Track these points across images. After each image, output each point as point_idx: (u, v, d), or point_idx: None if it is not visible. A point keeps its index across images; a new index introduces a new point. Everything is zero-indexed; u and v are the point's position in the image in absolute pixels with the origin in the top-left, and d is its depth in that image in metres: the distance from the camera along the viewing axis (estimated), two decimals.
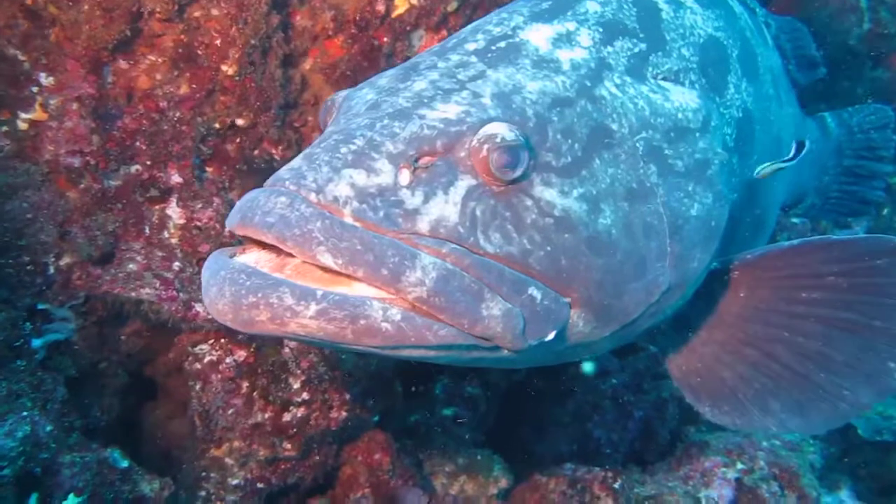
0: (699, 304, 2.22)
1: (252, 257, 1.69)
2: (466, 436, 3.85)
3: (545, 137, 1.85)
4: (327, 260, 1.57)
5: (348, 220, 1.63)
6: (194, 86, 2.85)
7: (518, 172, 1.77)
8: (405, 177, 1.71)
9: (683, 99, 2.12)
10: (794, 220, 4.82)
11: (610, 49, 2.10)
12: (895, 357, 2.07)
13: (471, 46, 2.00)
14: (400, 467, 3.28)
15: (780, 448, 3.82)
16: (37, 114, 2.66)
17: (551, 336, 1.79)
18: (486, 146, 1.75)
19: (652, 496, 3.54)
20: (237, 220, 1.66)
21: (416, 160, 1.73)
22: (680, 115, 2.09)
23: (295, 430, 2.95)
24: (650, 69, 2.15)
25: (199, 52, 2.83)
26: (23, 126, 2.65)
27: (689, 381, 2.29)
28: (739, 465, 3.67)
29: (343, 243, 1.58)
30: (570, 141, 1.88)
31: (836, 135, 4.09)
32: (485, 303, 1.67)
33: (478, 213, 1.74)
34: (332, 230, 1.59)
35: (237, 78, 2.88)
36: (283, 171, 1.70)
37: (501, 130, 1.77)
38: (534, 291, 1.75)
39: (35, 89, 2.66)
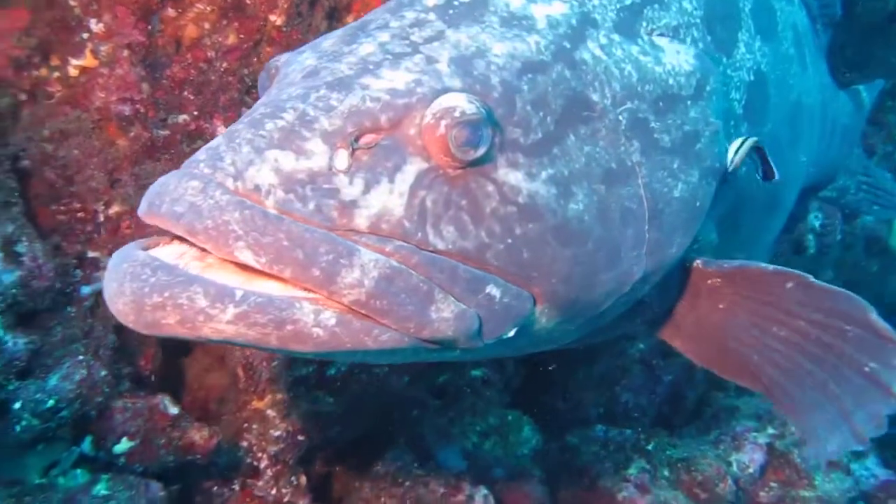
0: (686, 301, 2.08)
1: (174, 250, 1.46)
2: (495, 397, 3.88)
3: (512, 110, 1.62)
4: (247, 257, 1.35)
5: (273, 211, 1.41)
6: (242, 36, 2.83)
7: (479, 152, 1.54)
8: (342, 160, 1.48)
9: (677, 60, 1.90)
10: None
11: (596, 2, 1.86)
12: (838, 422, 1.93)
13: (430, 1, 1.74)
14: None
15: None
16: (87, 60, 2.64)
17: (511, 334, 1.62)
18: (442, 122, 1.52)
19: (684, 458, 3.57)
20: (145, 207, 1.45)
21: (357, 139, 1.50)
22: (671, 81, 1.88)
23: (338, 384, 2.97)
24: (644, 24, 1.93)
25: (248, 1, 2.81)
26: (73, 73, 2.63)
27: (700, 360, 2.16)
28: (770, 430, 3.70)
29: (266, 238, 1.36)
30: (541, 114, 1.66)
31: (871, 110, 4.01)
32: (434, 304, 1.48)
33: (428, 203, 1.52)
34: (253, 222, 1.36)
35: (285, 29, 2.86)
36: (201, 152, 1.48)
37: (459, 102, 1.53)
38: (492, 290, 1.57)
39: (85, 35, 2.63)
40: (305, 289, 1.40)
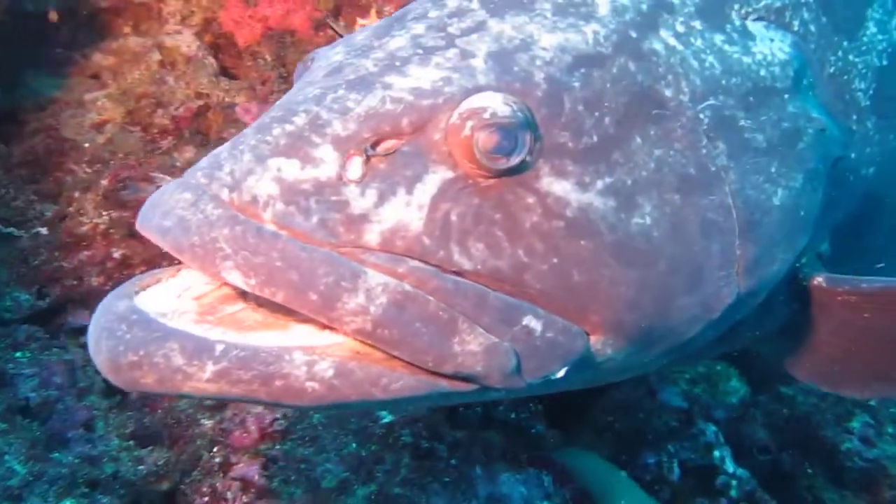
0: (797, 319, 1.88)
1: (186, 280, 1.35)
2: None
3: (559, 110, 1.41)
4: (235, 279, 1.21)
5: (269, 226, 1.26)
6: None
7: (514, 161, 1.34)
8: (355, 169, 1.31)
9: (769, 49, 1.68)
10: None
11: None
12: None
13: None
14: None
15: None
16: (371, 19, 3.00)
17: (561, 374, 1.40)
18: (468, 123, 1.33)
19: None
20: (139, 219, 1.34)
21: (373, 145, 1.33)
22: (763, 72, 1.65)
23: None
24: (737, 7, 1.70)
25: None
26: None
27: (814, 380, 2.01)
28: None
29: (258, 258, 1.22)
30: (597, 114, 1.45)
31: None
32: (458, 336, 1.28)
33: (453, 217, 1.32)
34: (243, 240, 1.22)
35: None
36: (204, 159, 1.36)
37: (492, 103, 1.34)
38: (530, 321, 1.35)
39: None
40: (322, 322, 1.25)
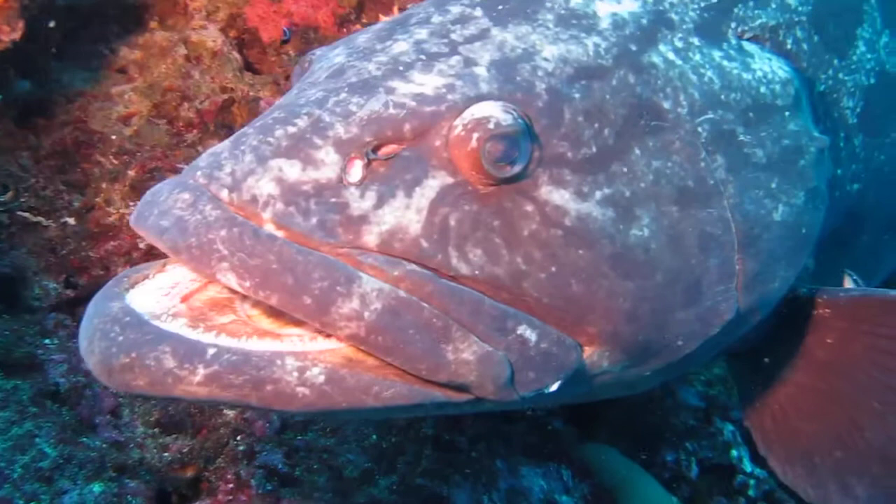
0: (780, 333, 1.84)
1: (173, 276, 1.37)
2: None
3: (559, 120, 1.43)
4: (230, 280, 1.22)
5: (268, 227, 1.27)
6: None
7: (516, 168, 1.36)
8: (356, 172, 1.32)
9: (769, 67, 1.67)
10: None
11: (675, 0, 1.66)
12: None
13: None
14: None
15: None
16: None
17: (554, 388, 1.39)
18: (474, 135, 1.34)
19: None
20: (134, 216, 1.34)
21: (375, 149, 1.34)
22: (763, 89, 1.65)
23: None
24: (733, 25, 1.71)
25: None
26: None
27: (762, 424, 1.91)
28: None
29: (253, 260, 1.22)
30: (596, 125, 1.46)
31: None
32: (452, 344, 1.28)
33: (451, 222, 1.33)
34: (240, 242, 1.22)
35: None
36: (203, 156, 1.36)
37: (493, 112, 1.36)
38: (525, 331, 1.34)
39: None
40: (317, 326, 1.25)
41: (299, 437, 2.43)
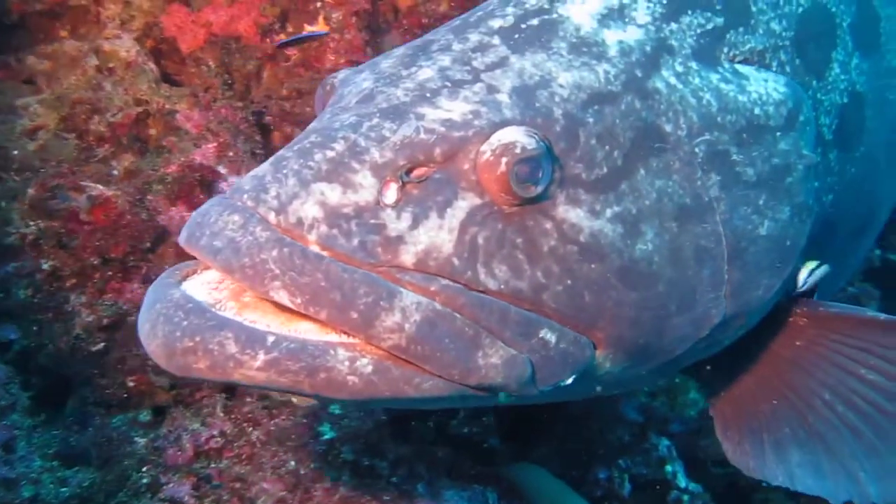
0: (753, 333, 1.95)
1: (214, 276, 1.44)
2: None
3: (575, 144, 1.55)
4: (282, 298, 1.31)
5: (314, 248, 1.36)
6: (452, 4, 3.06)
7: (540, 189, 1.48)
8: (391, 194, 1.43)
9: (764, 89, 1.78)
10: None
11: (674, 27, 1.75)
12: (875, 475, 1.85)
13: (496, 23, 1.67)
14: None
15: None
16: (320, 26, 2.95)
17: (569, 381, 1.54)
18: (503, 159, 1.45)
19: None
20: (185, 236, 1.43)
21: (408, 172, 1.44)
22: (757, 111, 1.75)
23: None
24: (726, 50, 1.81)
25: None
26: None
27: (723, 410, 2.02)
28: None
29: (303, 278, 1.32)
30: (607, 147, 1.58)
31: None
32: (482, 350, 1.40)
33: (480, 240, 1.45)
34: (290, 262, 1.32)
35: None
36: (246, 179, 1.45)
37: (518, 137, 1.46)
38: (546, 334, 1.48)
39: (319, 4, 2.95)
40: (344, 332, 1.36)
41: (212, 465, 2.33)
